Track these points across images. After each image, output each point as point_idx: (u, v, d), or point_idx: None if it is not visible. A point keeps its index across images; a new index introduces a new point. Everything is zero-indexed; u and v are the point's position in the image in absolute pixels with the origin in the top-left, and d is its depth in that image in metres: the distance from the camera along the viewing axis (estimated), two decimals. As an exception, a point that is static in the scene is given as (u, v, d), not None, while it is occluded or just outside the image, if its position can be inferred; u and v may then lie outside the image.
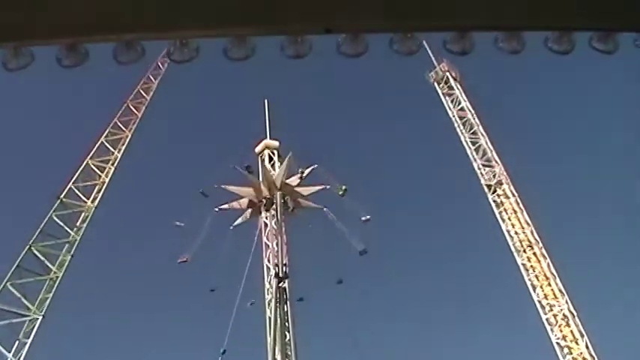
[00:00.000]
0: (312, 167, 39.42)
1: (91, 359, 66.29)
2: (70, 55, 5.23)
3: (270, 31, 5.39)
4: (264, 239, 38.74)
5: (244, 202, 39.44)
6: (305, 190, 39.31)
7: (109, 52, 5.39)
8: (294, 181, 39.01)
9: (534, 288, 44.21)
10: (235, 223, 39.51)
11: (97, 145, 45.54)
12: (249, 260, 36.53)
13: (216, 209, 39.06)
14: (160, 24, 5.09)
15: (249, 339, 39.62)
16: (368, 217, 38.79)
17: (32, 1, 4.91)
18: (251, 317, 37.55)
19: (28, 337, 36.42)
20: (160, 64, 47.17)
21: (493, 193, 47.70)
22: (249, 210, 39.61)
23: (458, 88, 52.16)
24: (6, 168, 68.19)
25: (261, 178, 39.30)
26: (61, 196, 42.37)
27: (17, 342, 36.01)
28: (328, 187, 39.35)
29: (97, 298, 64.44)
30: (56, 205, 41.86)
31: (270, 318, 34.76)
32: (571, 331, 41.98)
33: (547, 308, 43.40)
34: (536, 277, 44.51)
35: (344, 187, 38.97)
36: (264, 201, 38.28)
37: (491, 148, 49.20)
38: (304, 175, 38.98)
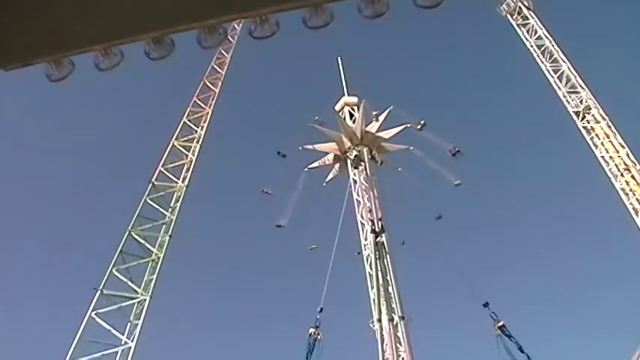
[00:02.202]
0: (388, 109, 39.31)
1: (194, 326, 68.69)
2: (157, 47, 5.38)
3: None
4: (355, 195, 38.73)
5: (330, 157, 39.60)
6: (387, 134, 39.15)
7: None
8: (373, 126, 38.91)
9: (637, 212, 42.71)
10: (327, 179, 39.77)
11: (180, 125, 46.49)
12: (342, 216, 36.68)
13: (306, 169, 39.36)
14: (240, 4, 5.15)
15: (353, 295, 40.09)
16: (457, 149, 38.86)
17: (116, 4, 5.06)
18: (353, 273, 37.91)
19: (139, 319, 37.80)
20: (230, 37, 47.42)
21: (582, 119, 46.05)
22: (337, 164, 39.76)
23: (532, 17, 50.34)
24: (99, 162, 71.13)
25: (341, 131, 39.29)
26: (153, 179, 43.53)
27: (129, 324, 37.44)
28: (409, 125, 39.18)
29: (196, 266, 66.97)
30: (149, 188, 43.03)
31: (369, 273, 34.97)
32: (681, 252, 40.63)
33: (652, 231, 41.96)
34: (638, 200, 42.95)
35: (422, 122, 38.89)
36: (349, 153, 38.30)
37: (575, 73, 47.37)
38: (380, 117, 38.89)
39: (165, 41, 5.42)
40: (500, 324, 30.78)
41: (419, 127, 39.13)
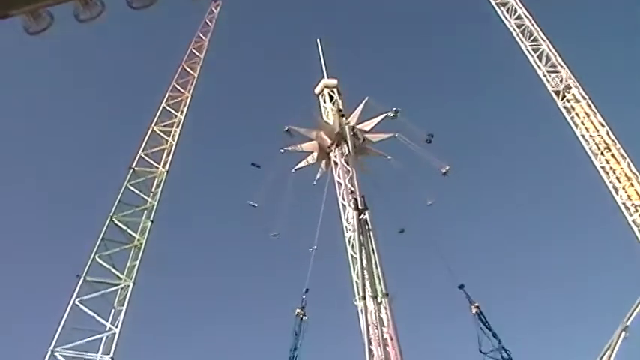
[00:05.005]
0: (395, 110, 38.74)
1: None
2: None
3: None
4: (336, 178, 38.60)
5: (313, 144, 39.32)
6: (375, 137, 38.83)
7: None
8: (366, 126, 38.56)
9: (616, 190, 42.82)
10: (297, 166, 39.48)
11: (159, 111, 46.10)
12: (323, 202, 36.48)
13: (282, 150, 39.07)
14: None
15: (336, 273, 39.94)
16: (445, 169, 38.05)
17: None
18: (336, 252, 37.70)
19: (123, 304, 37.61)
20: (207, 21, 47.17)
21: (562, 99, 46.15)
22: (315, 153, 39.46)
23: (511, -5, 50.33)
24: (77, 147, 70.49)
25: (327, 119, 38.99)
26: (133, 165, 43.21)
27: (113, 310, 37.23)
28: (397, 135, 38.67)
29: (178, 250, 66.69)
30: (129, 174, 42.73)
31: (352, 255, 34.97)
32: (660, 231, 40.85)
33: (632, 209, 42.10)
34: (617, 179, 43.08)
35: (395, 110, 38.26)
36: (334, 141, 38.00)
37: (555, 52, 47.49)
38: (376, 119, 38.48)
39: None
40: (476, 305, 30.90)
41: (392, 114, 38.55)
